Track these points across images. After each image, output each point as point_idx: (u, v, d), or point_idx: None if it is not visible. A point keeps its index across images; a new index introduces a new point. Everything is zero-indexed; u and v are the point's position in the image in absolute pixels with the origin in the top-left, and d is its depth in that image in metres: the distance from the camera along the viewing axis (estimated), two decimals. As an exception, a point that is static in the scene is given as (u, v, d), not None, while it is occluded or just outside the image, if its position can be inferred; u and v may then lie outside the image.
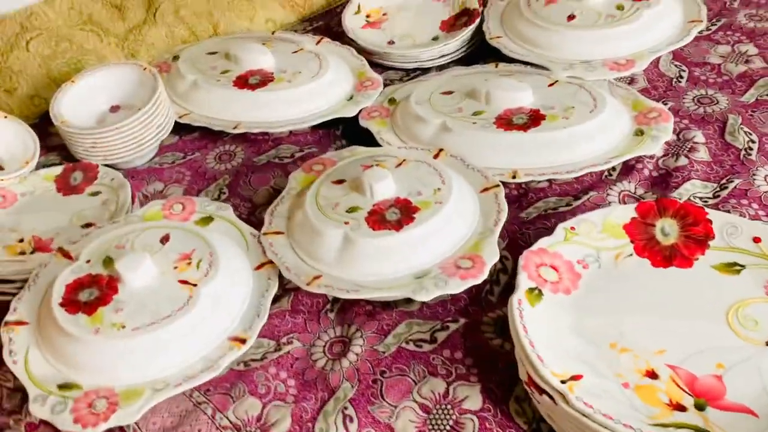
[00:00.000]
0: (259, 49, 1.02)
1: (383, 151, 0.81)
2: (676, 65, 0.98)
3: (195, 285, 0.64)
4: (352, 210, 0.69)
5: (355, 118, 0.95)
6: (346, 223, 0.68)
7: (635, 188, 0.80)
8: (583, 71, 0.92)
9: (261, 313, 0.65)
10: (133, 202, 0.84)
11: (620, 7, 0.98)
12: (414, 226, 0.66)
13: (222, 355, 0.61)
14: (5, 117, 0.91)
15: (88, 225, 0.81)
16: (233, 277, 0.67)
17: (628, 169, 0.82)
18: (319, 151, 0.95)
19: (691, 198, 0.78)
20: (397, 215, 0.68)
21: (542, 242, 0.66)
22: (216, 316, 0.64)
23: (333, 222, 0.68)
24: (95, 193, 0.86)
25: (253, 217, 0.85)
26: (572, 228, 0.68)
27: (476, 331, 0.66)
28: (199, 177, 0.93)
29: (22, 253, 0.78)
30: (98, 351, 0.60)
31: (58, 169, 0.89)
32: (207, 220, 0.76)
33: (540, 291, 0.62)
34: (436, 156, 0.79)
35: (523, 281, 0.62)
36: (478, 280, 0.63)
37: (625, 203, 0.78)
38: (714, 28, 1.04)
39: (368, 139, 0.92)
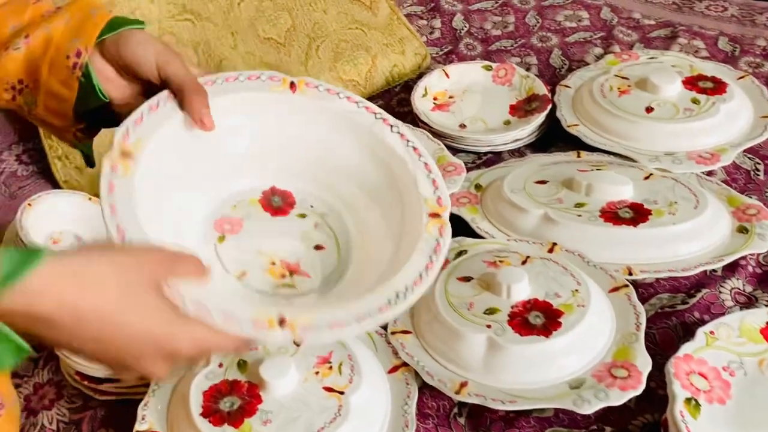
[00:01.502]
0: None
1: (495, 244, 0.81)
2: (749, 158, 1.01)
3: (342, 393, 0.61)
4: (490, 312, 0.68)
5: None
6: (488, 326, 0.66)
7: (743, 285, 0.81)
8: (670, 164, 0.94)
9: (410, 423, 0.62)
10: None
11: (696, 101, 1.01)
12: (563, 332, 0.65)
13: (380, 470, 0.58)
14: (89, 198, 0.88)
15: (190, 317, 0.77)
16: (374, 383, 0.64)
17: (731, 265, 0.83)
18: (405, 236, 0.93)
19: (802, 297, 0.79)
20: (541, 319, 0.67)
21: (686, 348, 0.66)
22: (366, 427, 0.61)
23: (473, 325, 0.67)
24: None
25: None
26: (712, 332, 0.67)
27: (625, 441, 0.65)
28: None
29: (126, 348, 0.73)
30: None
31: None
32: (327, 317, 0.73)
33: (696, 401, 0.62)
34: (550, 250, 0.79)
35: (679, 391, 0.61)
36: (638, 391, 0.62)
37: (737, 301, 0.79)
38: (776, 121, 1.07)
39: (456, 226, 0.91)
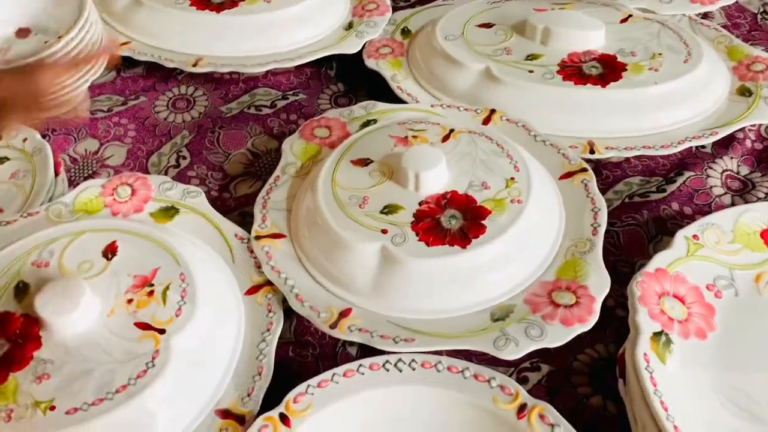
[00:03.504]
0: (222, -47, 0.76)
1: (414, 111, 0.59)
2: (757, -4, 0.79)
3: (162, 332, 0.42)
4: (389, 210, 0.48)
5: (356, 55, 0.72)
6: (384, 231, 0.46)
7: (738, 166, 0.62)
8: (658, 3, 0.71)
9: (264, 371, 0.44)
10: (57, 173, 0.59)
11: None
12: (487, 240, 0.45)
13: (211, 441, 0.41)
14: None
15: (-10, 212, 0.56)
16: (218, 312, 0.45)
17: (725, 140, 0.63)
18: (308, 98, 0.72)
19: (815, 183, 0.60)
20: (458, 221, 0.47)
21: (660, 260, 0.47)
22: (197, 377, 0.42)
23: (364, 229, 0.47)
24: (0, 160, 0.60)
25: (227, 193, 0.62)
26: (695, 237, 0.49)
27: (566, 386, 0.48)
28: (147, 132, 0.68)
29: None
30: (12, 449, 0.38)
31: (-58, 123, 0.62)
32: (169, 212, 0.53)
33: (668, 337, 0.44)
34: (486, 120, 0.58)
35: (645, 323, 0.44)
36: (587, 326, 0.44)
37: (729, 188, 0.60)
38: (796, -52, 0.83)
39: (373, 82, 0.70)
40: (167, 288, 0.44)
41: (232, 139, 0.68)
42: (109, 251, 0.46)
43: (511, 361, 0.48)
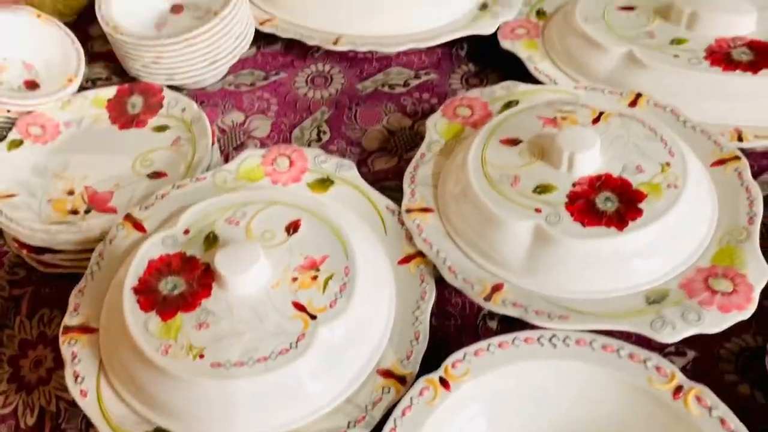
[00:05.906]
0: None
1: (558, 92, 0.60)
2: None
3: (314, 317, 0.44)
4: (543, 190, 0.49)
5: (486, 35, 0.72)
6: (538, 210, 0.48)
7: None
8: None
9: (421, 337, 0.46)
10: (212, 142, 0.64)
11: None
12: (645, 223, 0.46)
13: (374, 398, 0.43)
14: (38, 16, 0.69)
15: (156, 174, 0.61)
16: (370, 303, 0.47)
17: None
18: (439, 77, 0.73)
19: None
20: (613, 204, 0.47)
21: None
22: (341, 356, 0.45)
23: (517, 207, 0.48)
24: (161, 128, 0.65)
25: (365, 167, 0.65)
26: None
27: (712, 372, 0.48)
28: (289, 107, 0.72)
29: (74, 212, 0.59)
30: (171, 383, 0.42)
31: (110, 92, 0.68)
32: (325, 183, 0.56)
33: (828, 330, 0.43)
34: (632, 104, 0.58)
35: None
36: (746, 314, 0.44)
37: None
38: None
39: (503, 63, 0.71)
40: (330, 278, 0.46)
41: (368, 116, 0.70)
42: (292, 227, 0.49)
43: (655, 345, 0.49)
